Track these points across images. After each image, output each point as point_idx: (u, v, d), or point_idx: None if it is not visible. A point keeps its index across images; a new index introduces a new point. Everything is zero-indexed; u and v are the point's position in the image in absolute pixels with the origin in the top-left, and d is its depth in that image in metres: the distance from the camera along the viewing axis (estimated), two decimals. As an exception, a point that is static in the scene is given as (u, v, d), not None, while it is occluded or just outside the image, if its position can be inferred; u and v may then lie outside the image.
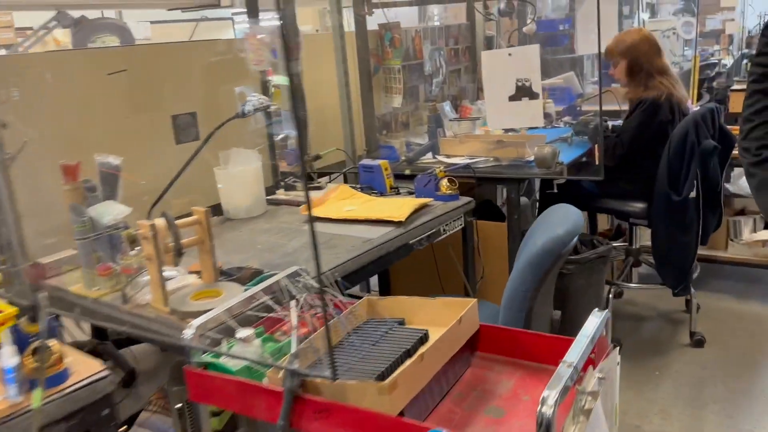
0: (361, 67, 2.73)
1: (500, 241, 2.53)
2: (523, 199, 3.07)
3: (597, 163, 2.16)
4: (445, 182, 2.23)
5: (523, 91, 2.18)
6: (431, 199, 2.22)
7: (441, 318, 1.34)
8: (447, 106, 3.18)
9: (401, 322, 1.37)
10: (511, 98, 2.22)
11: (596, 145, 2.20)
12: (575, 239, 1.68)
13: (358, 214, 2.04)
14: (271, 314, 1.33)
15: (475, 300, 1.31)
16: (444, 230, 2.13)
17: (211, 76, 2.42)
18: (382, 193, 2.36)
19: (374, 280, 3.03)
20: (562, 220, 1.70)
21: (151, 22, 5.87)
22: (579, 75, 4.07)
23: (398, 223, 1.96)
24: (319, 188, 2.45)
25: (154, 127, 2.20)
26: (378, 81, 2.92)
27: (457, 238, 2.31)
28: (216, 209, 2.26)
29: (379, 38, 2.93)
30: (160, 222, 1.37)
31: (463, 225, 2.24)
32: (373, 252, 1.80)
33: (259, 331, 1.27)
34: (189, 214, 2.17)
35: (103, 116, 2.07)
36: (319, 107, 2.96)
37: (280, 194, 2.44)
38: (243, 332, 1.23)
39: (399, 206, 2.09)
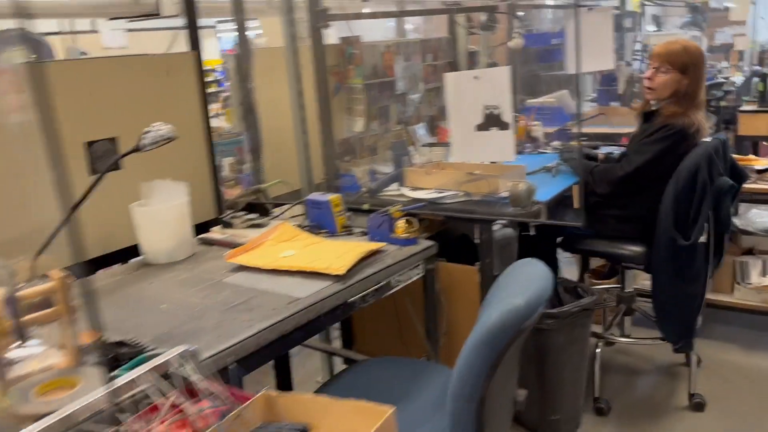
0: (319, 86, 2.44)
1: (471, 286, 2.22)
2: (507, 232, 2.76)
3: (576, 205, 1.86)
4: (401, 223, 1.93)
5: (492, 120, 1.88)
6: (384, 243, 1.92)
7: (352, 427, 1.04)
8: (421, 129, 2.89)
9: (302, 430, 1.07)
10: (479, 127, 1.92)
11: (576, 185, 1.89)
12: (540, 309, 1.37)
13: (293, 263, 1.74)
14: (138, 413, 1.03)
15: (393, 410, 1.01)
16: (397, 282, 1.83)
17: (143, 96, 2.14)
18: (332, 233, 2.06)
19: (337, 325, 2.72)
20: (525, 285, 1.40)
21: (128, 30, 5.62)
22: (575, 93, 3.78)
23: (337, 277, 1.66)
24: (259, 226, 2.15)
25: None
26: (340, 101, 2.64)
27: (418, 287, 2.01)
28: (135, 251, 1.96)
29: (341, 54, 2.64)
30: (-7, 295, 1.08)
31: (422, 274, 1.93)
32: (299, 316, 1.50)
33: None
34: (102, 260, 1.87)
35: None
36: (276, 128, 2.68)
37: (215, 232, 2.14)
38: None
39: (343, 252, 1.79)
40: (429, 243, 1.96)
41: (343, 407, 1.06)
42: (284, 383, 2.64)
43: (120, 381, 1.08)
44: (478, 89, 1.87)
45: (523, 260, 1.59)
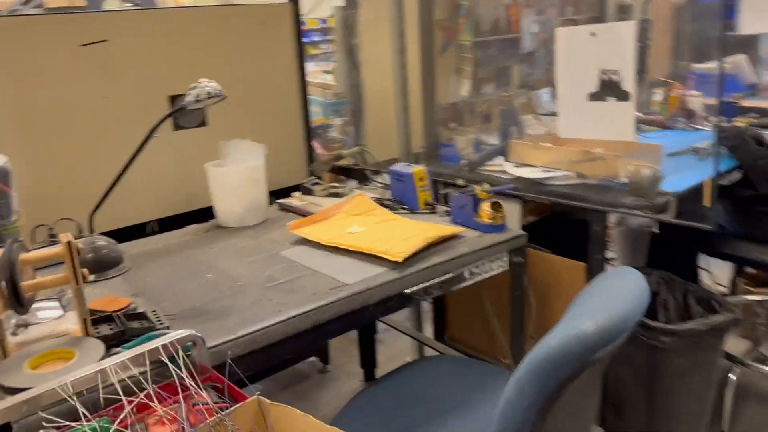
0: (423, 42, 2.21)
1: (576, 286, 1.91)
2: (634, 224, 2.38)
3: (707, 202, 1.47)
4: (486, 206, 1.68)
5: (609, 88, 1.53)
6: (463, 228, 1.68)
7: None
8: (546, 95, 2.54)
9: (284, 451, 0.91)
10: (593, 96, 1.58)
11: (712, 177, 1.50)
12: (621, 338, 1.08)
13: (354, 242, 1.57)
14: (133, 398, 0.94)
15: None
16: (472, 274, 1.59)
17: (235, 48, 2.07)
18: (412, 210, 1.86)
19: (428, 305, 2.53)
20: (605, 305, 1.11)
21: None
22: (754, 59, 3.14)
23: (395, 263, 1.46)
24: (338, 195, 2.01)
25: (145, 109, 1.90)
26: (449, 60, 2.38)
27: (504, 282, 1.75)
28: (209, 212, 1.92)
29: (453, 6, 2.36)
30: (-8, 256, 1.04)
31: (505, 267, 1.67)
32: (340, 305, 1.34)
33: (105, 421, 0.89)
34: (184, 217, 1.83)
35: (75, 96, 1.79)
36: (378, 88, 2.50)
37: (294, 198, 2.04)
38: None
39: (412, 235, 1.59)
40: (518, 232, 1.69)
41: (330, 434, 0.89)
42: (368, 361, 2.53)
43: (112, 360, 1.00)
44: (594, 49, 1.53)
45: (618, 269, 1.28)
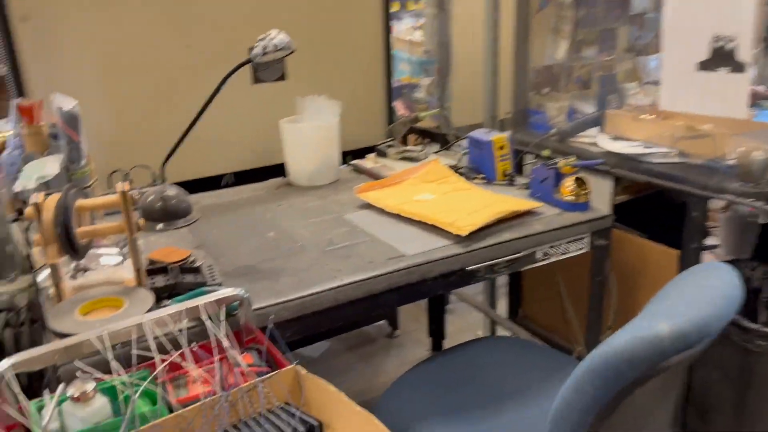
0: (519, -1, 2.05)
1: (667, 275, 1.74)
2: (742, 211, 2.16)
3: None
4: (569, 182, 1.54)
5: (722, 58, 1.33)
6: (541, 204, 1.56)
7: None
8: (655, 62, 2.30)
9: (312, 428, 0.88)
10: (702, 66, 1.39)
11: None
12: (702, 344, 0.95)
13: (420, 210, 1.50)
14: (166, 355, 0.94)
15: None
16: (545, 255, 1.48)
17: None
18: (489, 180, 1.76)
19: (503, 280, 2.43)
20: (687, 305, 0.98)
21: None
22: None
23: (459, 237, 1.38)
24: (412, 160, 1.93)
25: (224, 59, 1.89)
26: (546, 19, 2.19)
27: (583, 265, 1.62)
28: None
29: (556, -41, 2.16)
30: (50, 200, 1.06)
31: (585, 249, 1.54)
32: (396, 276, 1.28)
33: (141, 375, 0.90)
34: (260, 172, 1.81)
35: (156, 44, 1.81)
36: (468, 48, 2.36)
37: (368, 160, 1.98)
38: (79, 386, 0.87)
39: (483, 207, 1.49)
40: (604, 212, 1.55)
41: (359, 418, 0.84)
42: (437, 331, 2.47)
43: (152, 315, 1.00)
44: (708, 11, 1.33)
45: (709, 264, 1.13)
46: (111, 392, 0.90)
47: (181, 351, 0.94)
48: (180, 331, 0.98)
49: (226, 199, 1.77)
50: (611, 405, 0.96)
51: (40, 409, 0.89)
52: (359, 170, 1.94)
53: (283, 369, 0.96)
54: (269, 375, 0.94)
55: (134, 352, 0.91)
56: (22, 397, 0.82)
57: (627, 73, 2.30)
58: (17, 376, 1.24)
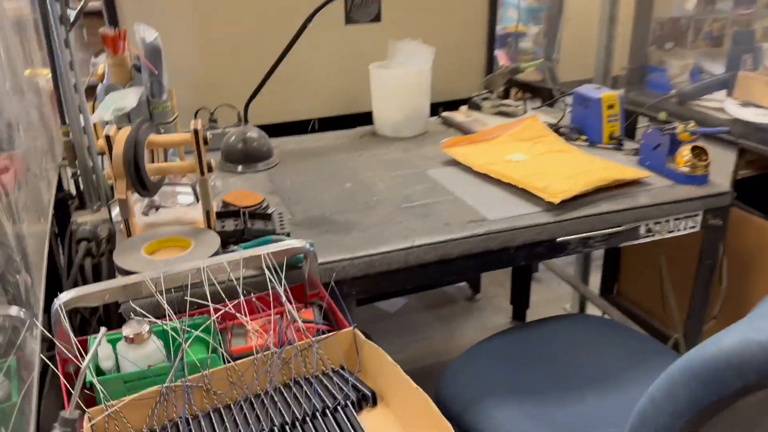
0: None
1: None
2: None
3: None
4: (686, 151, 1.37)
5: None
6: (650, 173, 1.39)
7: (411, 424, 0.77)
8: (807, 18, 1.99)
9: (365, 397, 0.83)
10: None
11: None
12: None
13: (510, 172, 1.38)
14: (223, 303, 0.92)
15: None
16: (649, 231, 1.33)
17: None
18: (593, 143, 1.60)
19: (599, 253, 2.25)
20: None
21: None
22: None
23: (550, 205, 1.26)
24: (508, 115, 1.79)
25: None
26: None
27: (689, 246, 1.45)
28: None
29: None
30: (122, 133, 1.04)
31: (696, 228, 1.37)
32: (473, 242, 1.18)
33: (196, 322, 0.88)
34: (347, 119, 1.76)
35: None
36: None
37: (460, 113, 1.86)
38: (134, 326, 0.86)
39: (582, 172, 1.35)
40: (723, 188, 1.36)
41: (414, 396, 0.77)
42: (520, 299, 2.36)
43: (210, 261, 0.97)
44: None
45: None
46: (166, 336, 0.89)
47: (237, 301, 0.91)
48: (240, 279, 0.95)
49: (307, 145, 1.72)
50: (706, 414, 0.83)
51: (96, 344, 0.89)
52: (449, 123, 1.83)
53: (342, 331, 0.91)
54: (326, 336, 0.89)
55: (188, 298, 0.88)
56: (72, 333, 0.81)
57: (767, 30, 2.01)
58: (78, 310, 1.27)
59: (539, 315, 1.46)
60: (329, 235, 1.18)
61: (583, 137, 1.61)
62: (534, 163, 1.44)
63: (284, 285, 0.92)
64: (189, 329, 0.87)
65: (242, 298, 0.91)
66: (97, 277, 1.36)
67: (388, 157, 1.59)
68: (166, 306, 0.86)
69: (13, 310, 0.87)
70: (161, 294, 0.87)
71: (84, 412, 0.75)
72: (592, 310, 2.22)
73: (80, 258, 1.45)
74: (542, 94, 2.15)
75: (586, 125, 1.62)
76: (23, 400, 0.74)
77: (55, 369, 0.77)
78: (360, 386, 0.85)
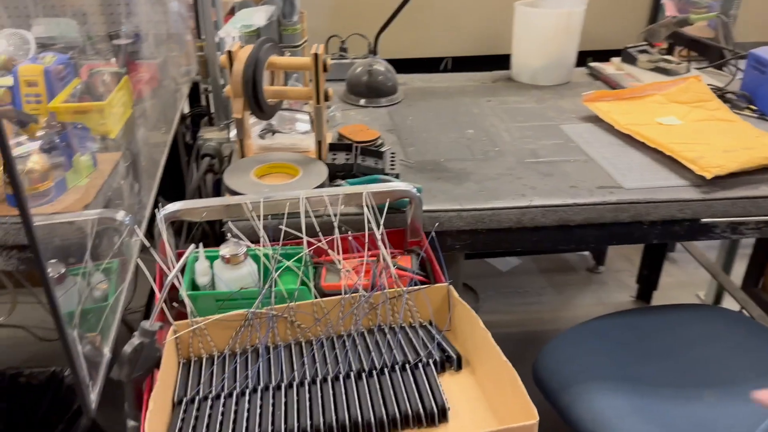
0: None
1: None
2: None
3: None
4: None
5: None
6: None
7: (496, 400, 0.72)
8: None
9: (449, 358, 0.79)
10: None
11: None
12: None
13: (657, 136, 1.23)
14: (318, 237, 0.90)
15: (535, 421, 0.63)
16: (817, 225, 1.14)
17: None
18: (763, 115, 1.39)
19: (748, 240, 2.01)
20: None
21: None
22: None
23: (701, 179, 1.11)
24: (666, 72, 1.60)
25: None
26: None
27: None
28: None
29: None
30: (244, 51, 1.03)
31: None
32: (602, 210, 1.07)
33: (289, 252, 0.88)
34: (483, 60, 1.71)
35: None
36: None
37: (610, 64, 1.69)
38: (231, 247, 0.87)
39: (744, 147, 1.18)
40: None
41: (502, 370, 0.71)
42: (648, 278, 2.18)
43: (320, 192, 0.95)
44: None
45: None
46: (260, 262, 0.89)
47: (331, 237, 0.88)
48: (337, 216, 0.92)
49: (435, 84, 1.64)
50: None
51: (195, 260, 0.91)
52: (596, 75, 1.67)
53: (436, 285, 0.86)
54: (418, 287, 0.85)
55: (283, 227, 0.87)
56: (170, 246, 0.83)
57: None
58: (186, 223, 1.31)
59: (667, 300, 1.32)
60: (440, 183, 1.12)
61: (753, 107, 1.40)
62: (688, 130, 1.27)
63: (382, 228, 0.89)
64: (281, 258, 0.86)
65: (338, 234, 0.88)
66: (216, 194, 1.40)
67: (520, 106, 1.48)
68: (261, 231, 0.85)
69: (120, 215, 0.91)
70: (258, 219, 0.86)
71: (169, 324, 0.77)
72: (728, 303, 2.00)
73: (201, 173, 1.50)
74: (710, 53, 1.89)
75: (759, 94, 1.40)
76: (115, 302, 0.77)
77: (150, 278, 0.79)
78: (446, 346, 0.80)
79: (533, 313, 2.14)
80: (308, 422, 0.67)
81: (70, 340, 0.51)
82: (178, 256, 0.95)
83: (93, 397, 0.58)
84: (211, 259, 0.90)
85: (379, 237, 0.88)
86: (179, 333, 0.78)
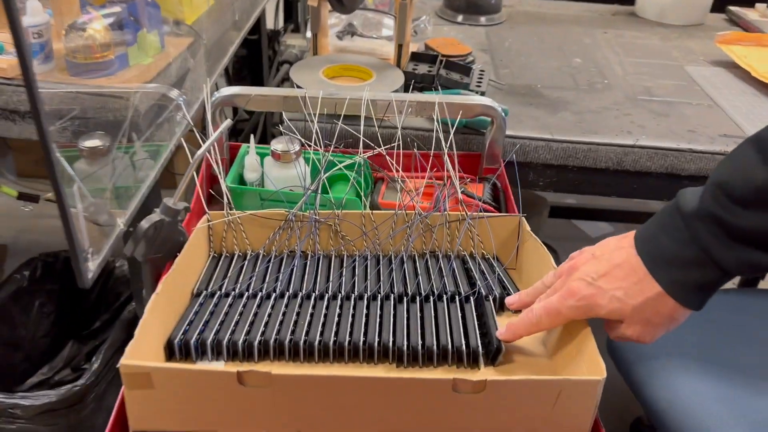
0: None
1: None
2: None
3: None
4: None
5: None
6: None
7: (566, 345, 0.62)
8: None
9: (508, 295, 0.69)
10: None
11: None
12: None
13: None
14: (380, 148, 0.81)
15: (602, 378, 0.52)
16: None
17: None
18: None
19: None
20: None
21: None
22: None
23: None
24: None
25: None
26: None
27: None
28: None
29: None
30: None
31: None
32: (710, 161, 0.91)
33: (344, 158, 0.80)
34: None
35: None
36: None
37: (755, 11, 1.46)
38: (283, 143, 0.80)
39: None
40: None
41: (571, 322, 0.60)
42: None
43: (389, 96, 0.85)
44: None
45: None
46: (315, 166, 0.81)
47: (391, 146, 0.79)
48: (401, 124, 0.82)
49: (547, 10, 1.48)
50: None
51: (245, 153, 0.84)
52: (734, 21, 1.45)
53: (508, 215, 0.75)
54: (484, 215, 0.74)
55: (339, 122, 0.78)
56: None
57: None
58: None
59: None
60: (531, 108, 0.99)
61: None
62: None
63: (453, 146, 0.78)
64: (335, 161, 0.78)
65: (400, 147, 0.79)
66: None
67: (640, 42, 1.30)
68: (315, 129, 0.77)
69: (174, 93, 0.85)
70: (308, 115, 0.78)
71: (204, 212, 0.71)
72: None
73: (278, 80, 1.44)
74: None
75: None
76: (146, 179, 0.71)
77: (190, 156, 0.72)
78: (507, 283, 0.70)
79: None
80: (332, 338, 0.59)
81: (65, 195, 0.44)
82: (230, 149, 0.89)
83: (90, 265, 0.52)
84: (261, 156, 0.83)
85: (446, 154, 0.78)
86: (212, 222, 0.71)
